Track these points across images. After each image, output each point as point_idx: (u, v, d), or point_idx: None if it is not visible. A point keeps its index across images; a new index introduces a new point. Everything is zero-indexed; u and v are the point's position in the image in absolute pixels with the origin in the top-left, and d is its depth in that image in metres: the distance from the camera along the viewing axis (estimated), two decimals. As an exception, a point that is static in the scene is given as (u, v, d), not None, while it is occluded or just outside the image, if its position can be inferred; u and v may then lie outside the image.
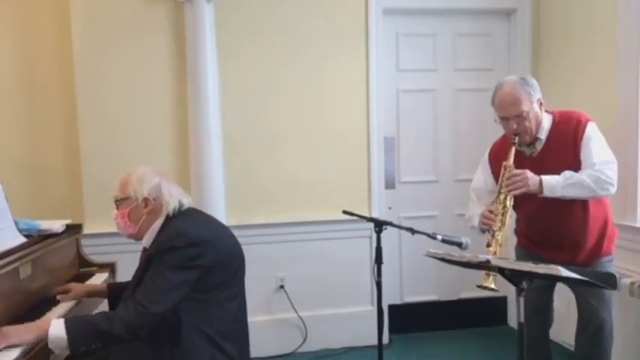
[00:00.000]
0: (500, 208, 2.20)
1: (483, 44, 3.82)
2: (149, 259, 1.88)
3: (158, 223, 1.98)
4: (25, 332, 1.76)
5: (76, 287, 2.29)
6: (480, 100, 3.83)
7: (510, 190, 2.17)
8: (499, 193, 2.23)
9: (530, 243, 2.46)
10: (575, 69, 3.31)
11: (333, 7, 3.47)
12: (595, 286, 1.88)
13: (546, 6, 3.68)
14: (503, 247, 2.19)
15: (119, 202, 2.03)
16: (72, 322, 1.76)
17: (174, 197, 2.00)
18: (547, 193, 2.14)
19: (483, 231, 2.28)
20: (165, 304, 1.78)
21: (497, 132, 2.57)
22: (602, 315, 2.31)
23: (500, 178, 2.24)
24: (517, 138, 2.24)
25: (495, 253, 2.14)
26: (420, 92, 3.79)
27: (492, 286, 2.06)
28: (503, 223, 2.19)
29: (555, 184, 2.14)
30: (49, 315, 2.07)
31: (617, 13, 2.94)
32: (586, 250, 2.30)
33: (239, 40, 3.39)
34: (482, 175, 2.50)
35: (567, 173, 2.15)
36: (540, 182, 2.14)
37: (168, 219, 1.98)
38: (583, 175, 2.15)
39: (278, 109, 3.46)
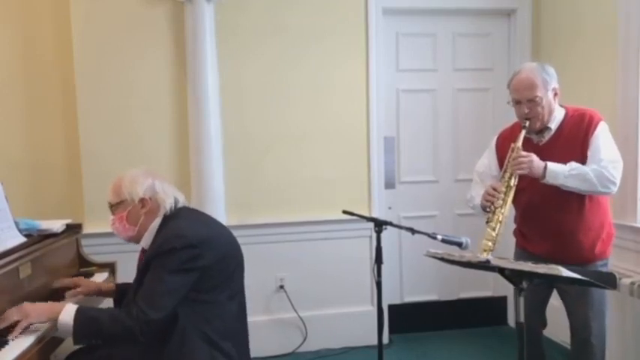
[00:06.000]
0: (504, 186, 2.22)
1: (483, 44, 3.82)
2: (148, 261, 1.87)
3: (156, 222, 1.98)
4: (42, 313, 1.81)
5: (85, 283, 2.26)
6: (480, 100, 3.85)
7: (515, 168, 2.20)
8: (504, 171, 2.25)
9: (525, 239, 2.46)
10: (575, 69, 3.31)
11: (333, 7, 3.47)
12: (595, 286, 1.88)
13: (546, 6, 3.67)
14: (500, 239, 2.19)
15: (114, 206, 2.02)
16: (81, 315, 1.78)
17: (170, 195, 2.00)
18: (549, 178, 2.16)
19: (485, 208, 2.29)
20: (163, 310, 1.78)
21: (498, 131, 2.58)
22: (590, 324, 2.29)
23: (507, 158, 2.26)
24: (528, 123, 2.26)
25: (494, 230, 2.17)
26: (420, 92, 3.79)
27: (488, 257, 2.08)
28: (505, 202, 2.21)
29: (559, 171, 2.16)
30: None
31: (617, 13, 2.94)
32: (578, 246, 2.27)
33: (239, 40, 3.39)
34: (487, 160, 2.52)
35: (573, 164, 2.17)
36: (545, 167, 2.16)
37: (166, 218, 1.97)
38: (587, 169, 2.16)
39: (278, 108, 3.46)
